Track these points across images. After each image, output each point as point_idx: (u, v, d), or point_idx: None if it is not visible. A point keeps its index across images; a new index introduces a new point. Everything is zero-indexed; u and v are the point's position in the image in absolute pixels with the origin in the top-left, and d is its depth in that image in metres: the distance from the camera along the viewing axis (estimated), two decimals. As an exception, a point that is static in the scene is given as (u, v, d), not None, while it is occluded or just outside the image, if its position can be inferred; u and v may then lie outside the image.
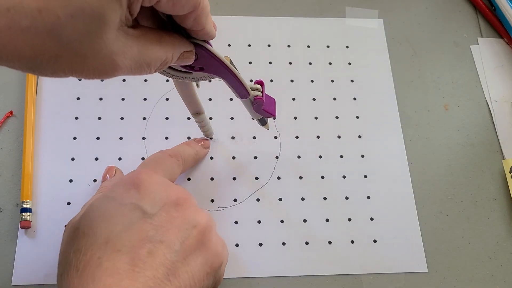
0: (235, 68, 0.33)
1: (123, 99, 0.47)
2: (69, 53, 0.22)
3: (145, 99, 0.47)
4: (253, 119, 0.44)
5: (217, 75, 0.34)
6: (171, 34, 0.28)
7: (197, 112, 0.41)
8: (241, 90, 0.35)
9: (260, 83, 0.38)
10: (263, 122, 0.42)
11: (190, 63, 0.31)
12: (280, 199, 0.44)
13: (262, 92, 0.37)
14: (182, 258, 0.32)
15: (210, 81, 0.35)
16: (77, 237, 0.31)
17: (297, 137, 0.47)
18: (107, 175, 0.42)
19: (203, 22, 0.28)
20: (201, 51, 0.30)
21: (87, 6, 0.21)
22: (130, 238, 0.31)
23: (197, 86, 0.37)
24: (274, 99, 0.39)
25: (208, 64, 0.32)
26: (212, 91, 0.48)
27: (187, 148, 0.42)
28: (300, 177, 0.45)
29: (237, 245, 0.42)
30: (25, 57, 0.21)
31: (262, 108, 0.38)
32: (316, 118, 0.48)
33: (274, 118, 0.38)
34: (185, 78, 0.34)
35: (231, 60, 0.33)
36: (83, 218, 0.32)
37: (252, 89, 0.37)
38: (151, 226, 0.32)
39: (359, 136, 0.47)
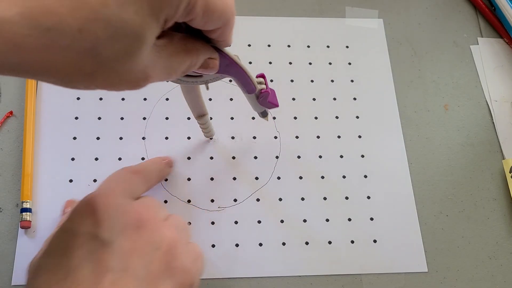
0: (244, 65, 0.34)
1: (123, 99, 0.47)
2: (105, 70, 0.22)
3: (145, 99, 0.47)
4: (257, 113, 0.44)
5: (228, 75, 0.34)
6: (195, 40, 0.28)
7: (201, 115, 0.41)
8: (250, 86, 0.36)
9: (262, 76, 0.38)
10: (264, 114, 0.42)
11: (214, 72, 0.31)
12: (280, 199, 0.44)
13: (266, 85, 0.37)
14: (149, 285, 0.30)
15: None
16: (38, 276, 0.30)
17: (297, 137, 0.47)
18: (73, 202, 0.40)
19: (227, 35, 0.28)
20: (218, 54, 0.31)
21: (127, 27, 0.21)
22: (91, 270, 0.29)
23: (207, 88, 0.37)
24: (274, 90, 0.40)
25: (221, 65, 0.32)
26: (212, 91, 0.48)
27: (150, 165, 0.41)
28: (300, 177, 0.45)
29: (237, 245, 0.42)
30: (61, 74, 0.21)
31: (268, 100, 0.38)
32: (316, 118, 0.48)
33: (277, 106, 0.39)
34: (195, 82, 0.34)
35: (238, 57, 0.33)
36: (43, 255, 0.31)
37: (257, 83, 0.37)
38: (111, 254, 0.30)
39: (359, 136, 0.48)
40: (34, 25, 0.20)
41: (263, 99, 0.38)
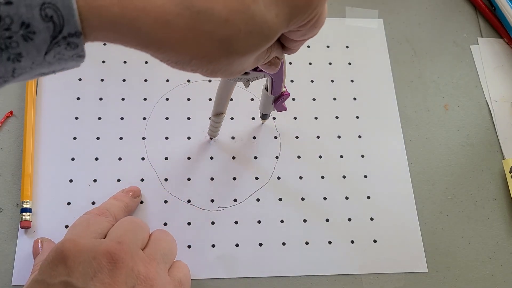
0: None
1: (123, 99, 0.47)
2: (226, 60, 0.23)
3: (145, 99, 0.47)
4: (259, 114, 0.45)
5: (270, 75, 0.35)
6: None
7: (221, 112, 0.41)
8: (280, 88, 0.37)
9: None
10: (265, 117, 0.43)
11: (275, 71, 0.31)
12: (280, 199, 0.44)
13: (286, 88, 0.39)
14: None
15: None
16: None
17: (297, 137, 0.47)
18: (39, 248, 0.39)
19: (300, 46, 0.30)
20: None
21: (266, 26, 0.23)
22: None
23: (246, 86, 0.37)
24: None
25: None
26: (213, 91, 0.48)
27: (115, 203, 0.40)
28: (300, 177, 0.45)
29: (237, 245, 0.42)
30: (188, 55, 0.23)
31: (283, 104, 0.40)
32: (316, 118, 0.48)
33: (286, 110, 0.41)
34: (240, 79, 0.35)
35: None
36: None
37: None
38: None
39: (359, 136, 0.47)
40: (187, 6, 0.21)
41: (281, 102, 0.40)
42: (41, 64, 0.21)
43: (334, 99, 0.49)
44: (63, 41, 0.20)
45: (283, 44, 0.29)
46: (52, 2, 0.19)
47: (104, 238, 0.35)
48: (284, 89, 0.39)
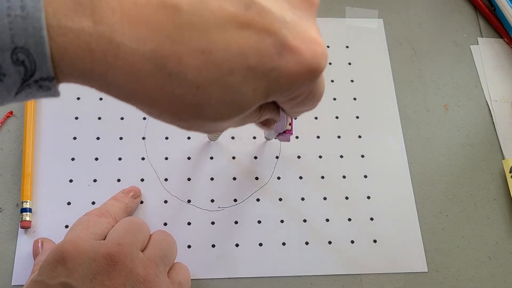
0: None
1: (123, 99, 0.47)
2: (197, 122, 0.23)
3: (145, 99, 0.47)
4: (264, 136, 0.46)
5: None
6: (268, 104, 0.28)
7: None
8: (282, 127, 0.37)
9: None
10: (269, 139, 0.44)
11: (270, 130, 0.31)
12: (280, 199, 0.44)
13: (291, 125, 0.38)
14: None
15: None
16: None
17: (297, 137, 0.47)
18: (39, 248, 0.39)
19: (300, 114, 0.29)
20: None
21: (240, 99, 0.22)
22: None
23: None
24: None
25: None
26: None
27: (115, 203, 0.40)
28: (300, 177, 0.45)
29: (237, 245, 0.42)
30: (156, 110, 0.22)
31: (287, 138, 0.40)
32: (316, 118, 0.48)
33: (289, 141, 0.41)
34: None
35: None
36: None
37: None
38: None
39: (359, 136, 0.47)
40: (159, 66, 0.20)
41: (284, 136, 0.39)
42: (12, 101, 0.21)
43: (334, 99, 0.49)
44: (34, 84, 0.20)
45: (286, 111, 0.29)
46: (25, 47, 0.19)
47: (104, 239, 0.35)
48: (289, 126, 0.38)
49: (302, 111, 0.28)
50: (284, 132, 0.38)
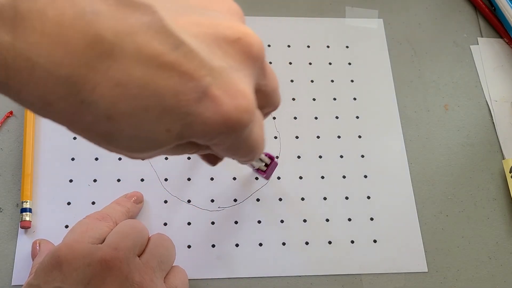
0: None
1: (123, 99, 0.47)
2: (114, 150, 0.23)
3: (145, 99, 0.47)
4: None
5: None
6: None
7: None
8: (253, 166, 0.38)
9: (272, 158, 0.40)
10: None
11: (214, 166, 0.31)
12: (280, 199, 0.44)
13: (268, 167, 0.40)
14: None
15: None
16: None
17: (297, 137, 0.47)
18: (37, 249, 0.39)
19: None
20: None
21: (152, 137, 0.21)
22: None
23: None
24: (276, 164, 0.41)
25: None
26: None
27: (116, 207, 0.40)
28: (300, 177, 0.45)
29: (237, 245, 0.42)
30: (74, 130, 0.22)
31: (265, 176, 0.41)
32: (316, 118, 0.48)
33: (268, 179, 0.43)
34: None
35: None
36: None
37: (261, 159, 0.39)
38: None
39: (359, 136, 0.47)
40: (73, 93, 0.19)
41: (257, 173, 0.41)
42: None
43: (334, 99, 0.49)
44: None
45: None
46: None
47: (102, 243, 0.35)
48: (264, 168, 0.38)
49: (238, 160, 0.26)
50: (257, 170, 0.38)
